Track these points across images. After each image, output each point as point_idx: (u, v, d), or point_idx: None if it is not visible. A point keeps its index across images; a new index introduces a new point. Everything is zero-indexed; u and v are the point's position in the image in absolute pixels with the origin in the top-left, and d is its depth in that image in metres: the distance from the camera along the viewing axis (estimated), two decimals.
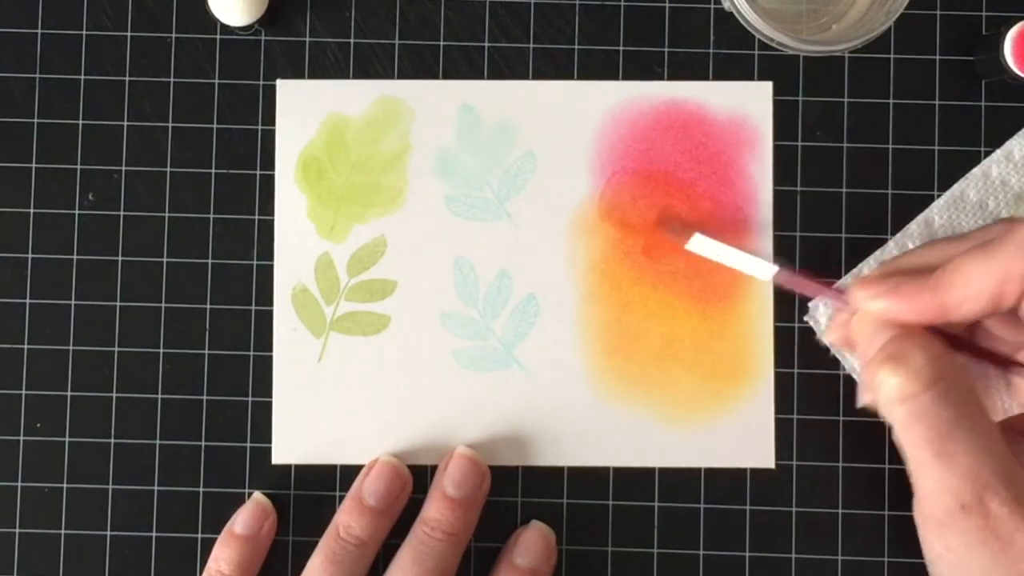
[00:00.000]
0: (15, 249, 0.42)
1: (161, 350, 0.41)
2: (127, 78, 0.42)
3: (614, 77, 0.42)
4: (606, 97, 0.42)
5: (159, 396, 0.41)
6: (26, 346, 0.41)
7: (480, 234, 0.42)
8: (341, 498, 0.41)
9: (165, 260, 0.42)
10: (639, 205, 0.42)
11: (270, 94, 0.42)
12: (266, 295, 0.42)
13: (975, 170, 0.41)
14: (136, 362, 0.41)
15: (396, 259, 0.42)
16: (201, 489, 0.41)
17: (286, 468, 0.41)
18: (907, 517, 0.34)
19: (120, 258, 0.42)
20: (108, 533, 0.41)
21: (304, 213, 0.42)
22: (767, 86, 0.42)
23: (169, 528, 0.41)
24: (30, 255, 0.42)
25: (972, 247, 0.33)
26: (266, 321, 0.41)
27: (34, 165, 0.42)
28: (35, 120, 0.42)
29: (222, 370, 0.41)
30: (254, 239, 0.42)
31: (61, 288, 0.42)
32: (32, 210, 0.42)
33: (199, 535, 0.41)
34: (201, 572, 0.40)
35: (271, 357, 0.41)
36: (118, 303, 0.42)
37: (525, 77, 0.42)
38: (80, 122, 0.42)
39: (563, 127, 0.42)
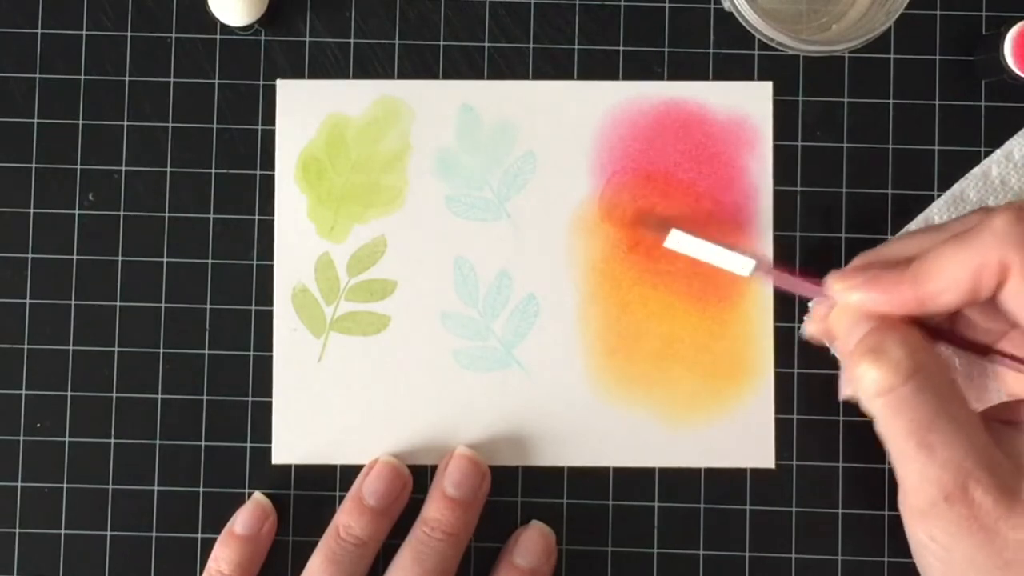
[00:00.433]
0: (15, 249, 0.42)
1: (161, 350, 0.41)
2: (127, 78, 0.42)
3: (614, 77, 0.42)
4: (606, 97, 0.42)
5: (159, 396, 0.41)
6: (26, 346, 0.41)
7: (480, 234, 0.42)
8: (341, 498, 0.41)
9: (165, 260, 0.42)
10: (639, 205, 0.42)
11: (270, 94, 0.42)
12: (266, 295, 0.42)
13: (975, 170, 0.41)
14: (136, 362, 0.41)
15: (396, 259, 0.42)
16: (201, 489, 0.41)
17: (286, 468, 0.41)
18: None
19: (120, 258, 0.42)
20: (108, 533, 0.41)
21: (304, 213, 0.42)
22: (767, 86, 0.42)
23: (169, 528, 0.41)
24: (30, 255, 0.42)
25: (948, 238, 0.33)
26: (266, 321, 0.41)
27: (34, 165, 0.42)
28: (35, 120, 0.42)
29: (222, 370, 0.41)
30: (254, 239, 0.42)
31: (61, 288, 0.42)
32: (32, 210, 0.42)
33: (199, 535, 0.41)
34: (201, 572, 0.40)
35: (271, 357, 0.41)
36: (118, 303, 0.42)
37: (525, 77, 0.42)
38: (80, 122, 0.42)
39: (563, 127, 0.42)
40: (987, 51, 0.41)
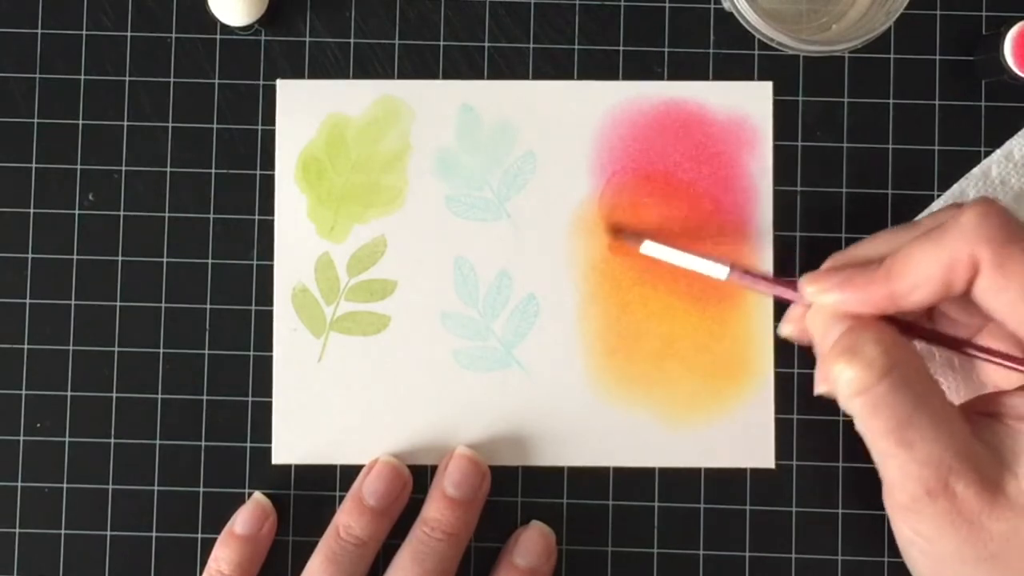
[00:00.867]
0: (15, 249, 0.42)
1: (161, 350, 0.41)
2: (127, 78, 0.42)
3: (614, 77, 0.42)
4: (606, 97, 0.42)
5: (159, 396, 0.41)
6: (26, 346, 0.41)
7: (480, 234, 0.42)
8: (341, 498, 0.41)
9: (165, 260, 0.42)
10: (639, 205, 0.42)
11: (270, 94, 0.42)
12: (266, 295, 0.42)
13: (975, 170, 0.41)
14: (136, 362, 0.41)
15: (396, 259, 0.42)
16: (201, 489, 0.41)
17: (286, 468, 0.41)
18: None
19: (120, 258, 0.42)
20: (108, 533, 0.41)
21: (304, 213, 0.42)
22: (767, 86, 0.42)
23: (169, 528, 0.41)
24: (30, 255, 0.42)
25: (919, 235, 0.34)
26: (266, 321, 0.41)
27: (34, 165, 0.42)
28: (35, 120, 0.42)
29: (222, 370, 0.41)
30: (254, 239, 0.42)
31: (61, 288, 0.42)
32: (32, 210, 0.42)
33: (199, 535, 0.41)
34: (201, 572, 0.40)
35: (271, 357, 0.41)
36: (118, 303, 0.42)
37: (525, 77, 0.42)
38: (80, 122, 0.42)
39: (563, 127, 0.42)
40: (987, 51, 0.41)
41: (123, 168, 0.42)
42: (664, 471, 0.41)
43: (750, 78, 0.42)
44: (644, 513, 0.41)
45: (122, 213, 0.42)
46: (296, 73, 0.42)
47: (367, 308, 0.42)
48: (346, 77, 0.42)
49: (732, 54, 0.42)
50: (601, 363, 0.41)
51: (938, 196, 0.41)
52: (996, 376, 0.37)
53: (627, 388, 0.41)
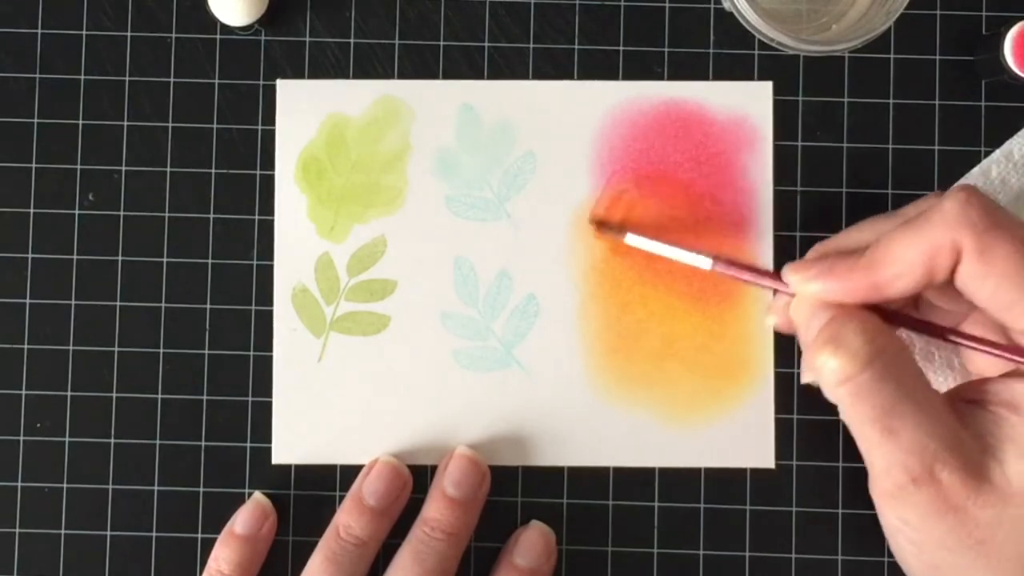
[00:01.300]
0: (15, 249, 0.42)
1: (161, 350, 0.41)
2: (127, 78, 0.42)
3: (614, 77, 0.42)
4: (606, 97, 0.42)
5: (159, 396, 0.41)
6: (26, 346, 0.41)
7: (480, 234, 0.42)
8: (341, 498, 0.41)
9: (165, 260, 0.42)
10: (639, 205, 0.42)
11: (270, 94, 0.42)
12: (266, 295, 0.42)
13: (975, 170, 0.41)
14: (136, 362, 0.41)
15: (396, 259, 0.42)
16: (201, 489, 0.41)
17: (286, 468, 0.41)
18: None
19: (120, 258, 0.42)
20: (108, 533, 0.41)
21: (304, 213, 0.42)
22: (767, 86, 0.42)
23: (169, 528, 0.41)
24: (30, 255, 0.42)
25: (901, 223, 0.34)
26: (266, 321, 0.41)
27: (34, 165, 0.42)
28: (35, 120, 0.42)
29: (222, 370, 0.41)
30: (254, 239, 0.42)
31: (61, 288, 0.42)
32: (32, 210, 0.42)
33: (199, 535, 0.41)
34: (201, 572, 0.40)
35: (271, 357, 0.41)
36: (118, 303, 0.42)
37: (525, 77, 0.42)
38: (80, 122, 0.42)
39: (563, 127, 0.42)
40: (987, 51, 0.41)
41: (123, 168, 0.42)
42: (664, 471, 0.41)
43: (750, 78, 0.42)
44: (644, 513, 0.41)
45: (122, 213, 0.42)
46: (296, 73, 0.42)
47: (367, 308, 0.42)
48: (346, 77, 0.42)
49: (732, 54, 0.42)
50: (601, 363, 0.41)
51: None
52: (981, 364, 0.37)
53: (627, 388, 0.41)
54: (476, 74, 0.42)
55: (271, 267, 0.42)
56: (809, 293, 0.35)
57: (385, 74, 0.42)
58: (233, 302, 0.42)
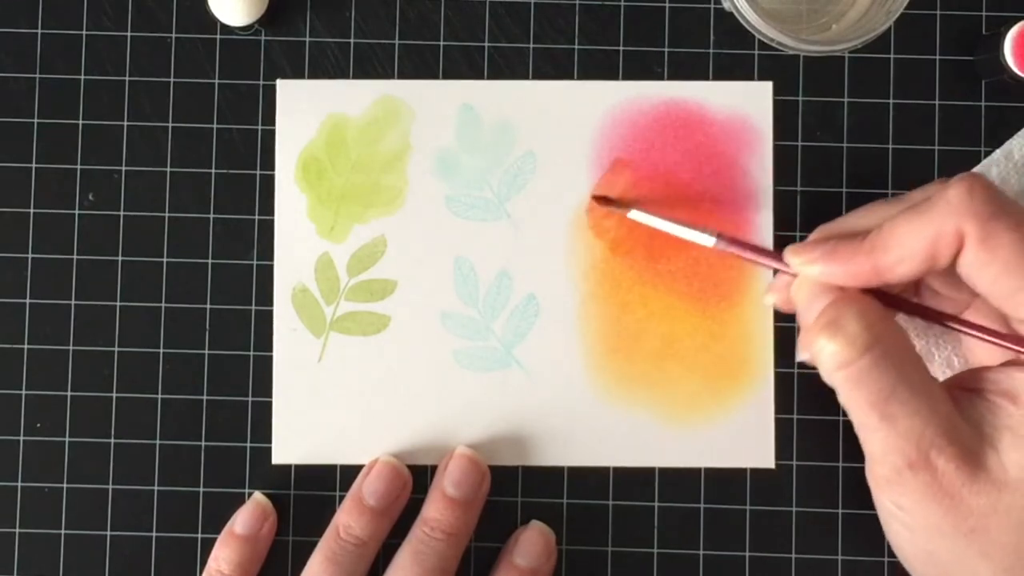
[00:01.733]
0: (15, 249, 0.42)
1: (161, 350, 0.41)
2: (127, 78, 0.42)
3: (614, 77, 0.42)
4: (606, 97, 0.42)
5: (159, 396, 0.41)
6: (26, 346, 0.41)
7: (480, 234, 0.42)
8: (341, 498, 0.41)
9: (165, 260, 0.42)
10: (640, 201, 0.42)
11: (270, 94, 0.42)
12: (266, 295, 0.42)
13: (975, 170, 0.41)
14: (136, 362, 0.41)
15: (396, 259, 0.42)
16: (201, 489, 0.41)
17: (286, 468, 0.41)
18: None
19: (120, 258, 0.42)
20: (108, 533, 0.41)
21: (304, 213, 0.42)
22: (767, 86, 0.42)
23: (169, 528, 0.41)
24: (30, 255, 0.42)
25: (905, 208, 0.34)
26: (266, 321, 0.41)
27: (34, 165, 0.42)
28: (35, 120, 0.42)
29: (222, 370, 0.41)
30: (254, 239, 0.42)
31: (61, 288, 0.42)
32: (32, 210, 0.42)
33: (199, 535, 0.41)
34: (201, 572, 0.40)
35: (271, 357, 0.41)
36: (118, 303, 0.42)
37: (525, 77, 0.42)
38: (80, 122, 0.42)
39: (563, 127, 0.42)
40: (987, 51, 0.41)
41: (123, 168, 0.42)
42: (664, 471, 0.41)
43: (750, 78, 0.42)
44: (644, 513, 0.41)
45: (122, 213, 0.42)
46: (296, 73, 0.42)
47: (367, 308, 0.42)
48: (346, 77, 0.42)
49: (732, 54, 0.42)
50: (601, 363, 0.41)
51: None
52: (980, 352, 0.37)
53: (627, 388, 0.41)
54: (476, 74, 0.42)
55: (271, 267, 0.42)
56: (810, 275, 0.35)
57: (385, 74, 0.42)
58: (233, 302, 0.42)
